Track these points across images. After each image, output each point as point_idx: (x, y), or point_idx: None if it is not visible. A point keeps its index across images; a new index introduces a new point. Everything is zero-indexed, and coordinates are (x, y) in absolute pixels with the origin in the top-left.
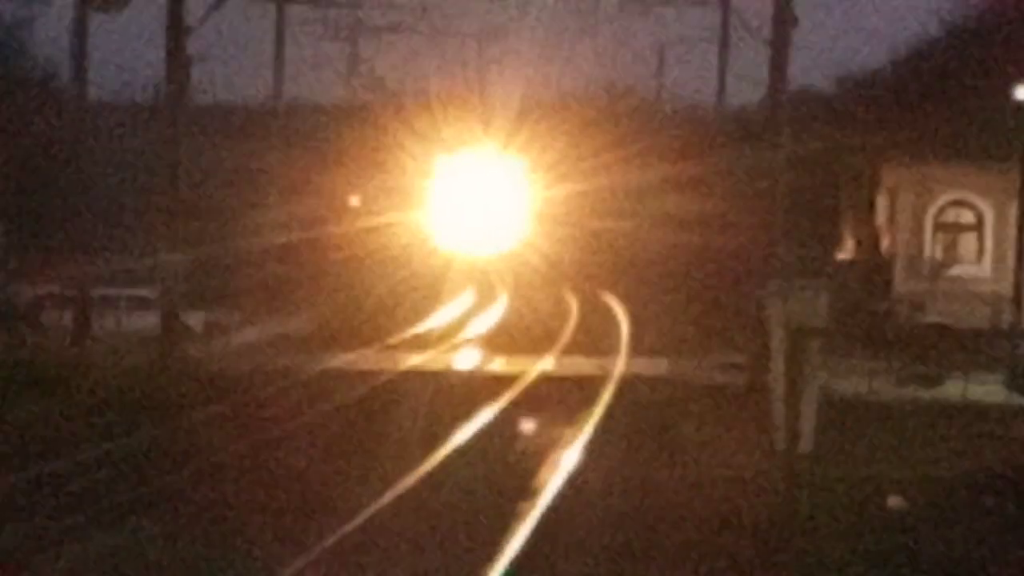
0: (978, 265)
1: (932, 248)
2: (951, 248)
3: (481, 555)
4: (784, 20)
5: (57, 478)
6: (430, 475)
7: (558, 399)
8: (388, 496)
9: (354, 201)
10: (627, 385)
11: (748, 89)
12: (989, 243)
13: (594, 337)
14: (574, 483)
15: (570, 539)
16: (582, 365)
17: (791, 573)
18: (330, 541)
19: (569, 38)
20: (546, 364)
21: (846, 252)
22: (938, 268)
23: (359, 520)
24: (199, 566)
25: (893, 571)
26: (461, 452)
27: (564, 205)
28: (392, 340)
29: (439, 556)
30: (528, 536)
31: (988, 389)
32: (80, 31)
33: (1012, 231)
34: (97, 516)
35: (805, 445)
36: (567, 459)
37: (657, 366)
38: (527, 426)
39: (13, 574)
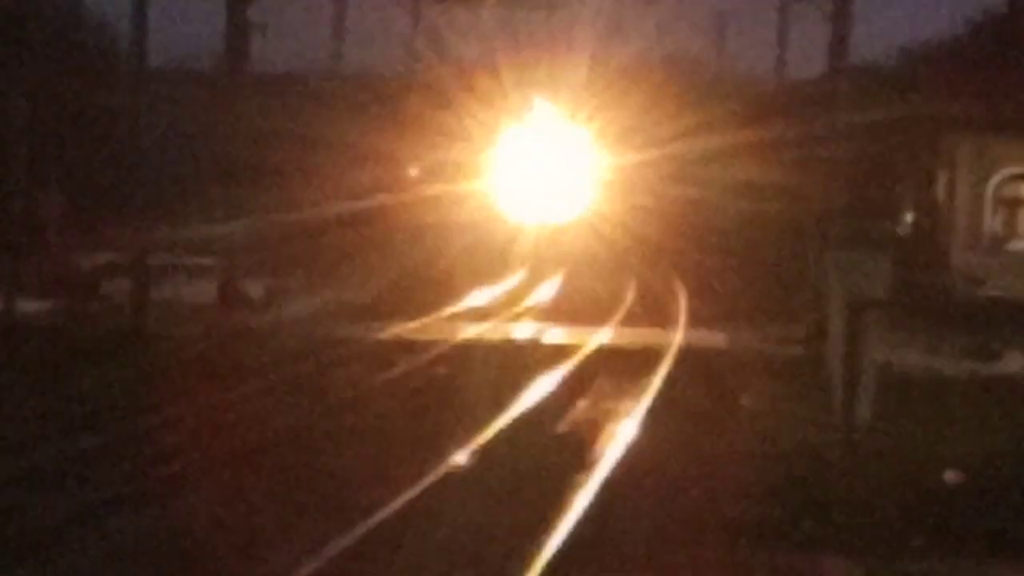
0: None
1: (991, 222)
2: (1011, 222)
3: (535, 529)
4: None
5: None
6: (485, 447)
7: (617, 370)
8: (438, 471)
9: (414, 171)
10: (685, 357)
11: (809, 62)
12: None
13: (654, 307)
14: (630, 453)
15: (625, 508)
16: (641, 336)
17: (846, 544)
18: (389, 510)
19: (632, 8)
20: (605, 335)
21: (905, 225)
22: (997, 242)
23: (415, 491)
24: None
25: (950, 544)
26: (517, 423)
27: (625, 175)
28: (452, 310)
29: (493, 528)
30: (585, 506)
31: None
32: None
33: None
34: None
35: (862, 418)
36: (624, 430)
37: (716, 338)
38: (584, 397)
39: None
